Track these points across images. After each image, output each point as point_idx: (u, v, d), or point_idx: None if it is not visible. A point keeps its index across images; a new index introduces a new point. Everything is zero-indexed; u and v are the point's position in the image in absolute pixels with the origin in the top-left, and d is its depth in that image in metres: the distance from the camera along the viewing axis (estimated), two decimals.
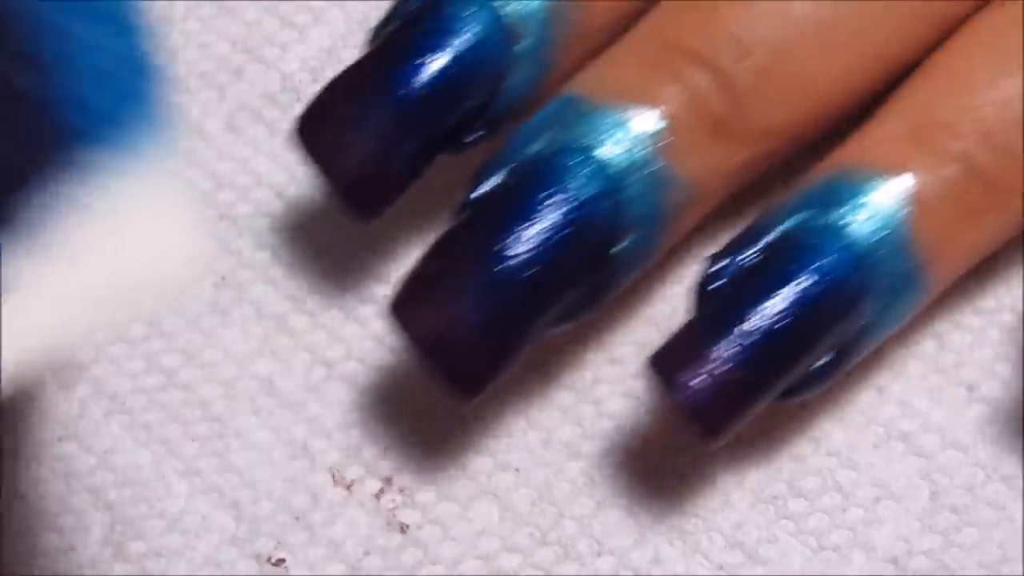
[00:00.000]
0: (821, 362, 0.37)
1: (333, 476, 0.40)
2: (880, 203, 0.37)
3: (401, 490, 0.39)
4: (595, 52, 0.39)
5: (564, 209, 0.36)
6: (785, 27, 0.37)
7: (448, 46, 0.37)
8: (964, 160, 0.37)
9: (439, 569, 0.39)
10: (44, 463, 0.40)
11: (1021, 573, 0.38)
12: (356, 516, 0.39)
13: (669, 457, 0.39)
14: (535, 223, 0.36)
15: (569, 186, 0.36)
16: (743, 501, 0.39)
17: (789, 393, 0.37)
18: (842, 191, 0.37)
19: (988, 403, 0.40)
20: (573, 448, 0.40)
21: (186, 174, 0.41)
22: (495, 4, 0.38)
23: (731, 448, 0.39)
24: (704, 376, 0.35)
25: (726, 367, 0.35)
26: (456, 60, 0.37)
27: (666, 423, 0.40)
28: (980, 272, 0.40)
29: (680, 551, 0.39)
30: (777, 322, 0.35)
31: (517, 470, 0.40)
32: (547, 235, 0.36)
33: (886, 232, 0.36)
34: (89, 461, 0.40)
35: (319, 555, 0.39)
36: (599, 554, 0.39)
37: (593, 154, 0.36)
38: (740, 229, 0.38)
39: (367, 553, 0.39)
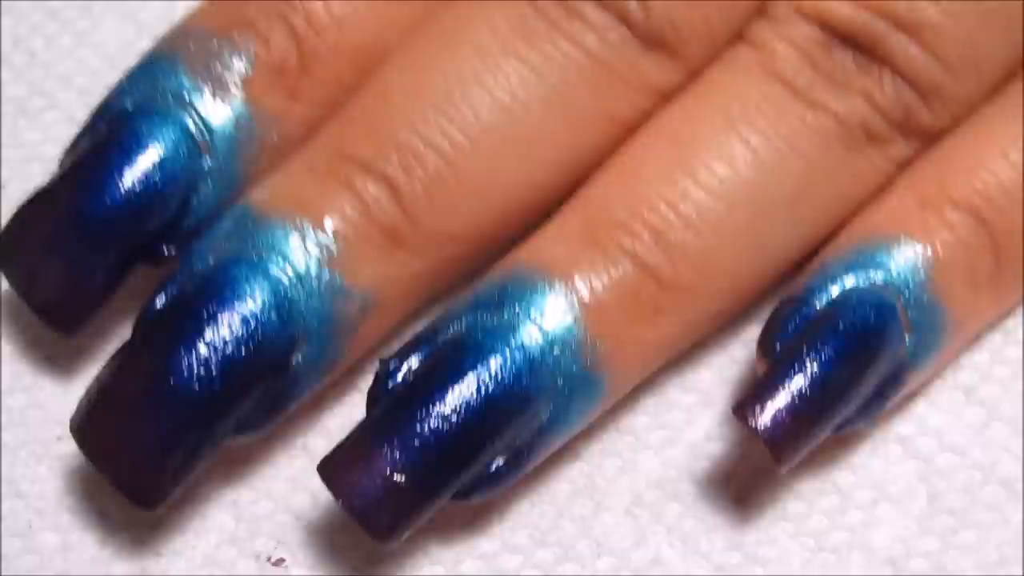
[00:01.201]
0: (498, 463, 0.37)
1: None
2: (550, 305, 0.37)
3: None
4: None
5: (233, 323, 0.36)
6: (456, 136, 0.38)
7: (135, 164, 0.37)
8: (636, 259, 0.37)
9: (439, 569, 0.39)
10: (44, 463, 0.40)
11: (1019, 575, 0.38)
12: None
13: (668, 458, 0.40)
14: (205, 338, 0.36)
15: (238, 300, 0.36)
16: (742, 502, 0.39)
17: (466, 494, 0.37)
18: (513, 293, 0.37)
19: (985, 406, 0.40)
20: (572, 449, 0.40)
21: None
22: (183, 121, 0.38)
23: (730, 450, 0.40)
24: (370, 480, 0.36)
25: (391, 472, 0.36)
26: (143, 177, 0.37)
27: (664, 425, 0.40)
28: None
29: (679, 552, 0.39)
30: (443, 426, 0.36)
31: None
32: (217, 350, 0.36)
33: (556, 334, 0.37)
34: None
35: (319, 556, 0.39)
36: (599, 555, 0.39)
37: (261, 267, 0.37)
38: (415, 331, 0.38)
39: (367, 554, 0.39)
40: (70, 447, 0.40)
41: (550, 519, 0.39)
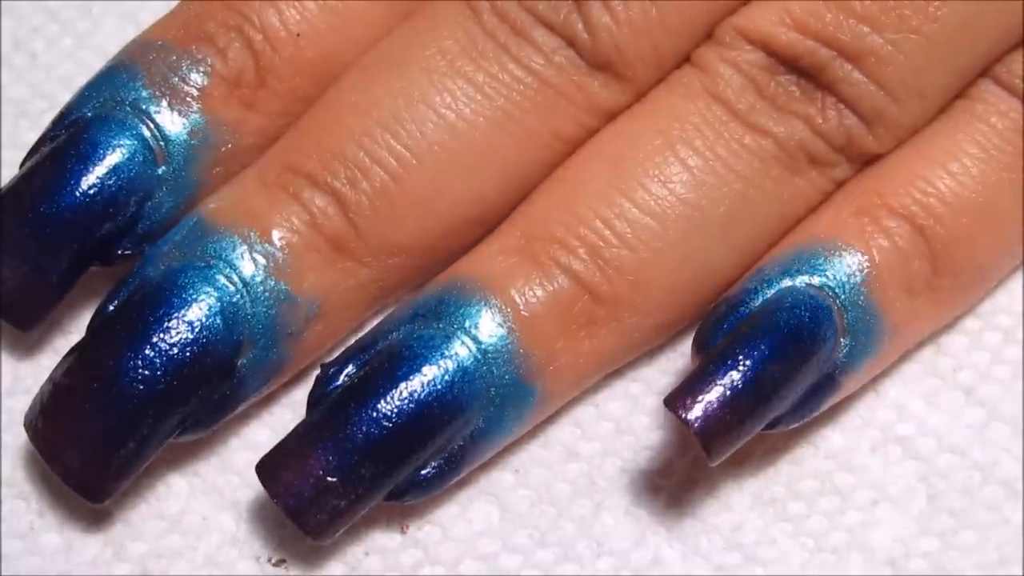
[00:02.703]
0: (432, 467, 0.38)
1: None
2: (484, 317, 0.38)
3: None
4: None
5: (179, 327, 0.37)
6: (401, 152, 0.38)
7: (91, 169, 0.39)
8: (572, 273, 0.38)
9: (439, 569, 0.39)
10: (45, 465, 0.40)
11: (1019, 575, 0.38)
12: None
13: (668, 459, 0.40)
14: (152, 341, 0.37)
15: (184, 305, 0.38)
16: (742, 503, 0.39)
17: (399, 495, 0.38)
18: (450, 304, 0.38)
19: (985, 406, 0.40)
20: (572, 449, 0.40)
21: None
22: (140, 130, 0.39)
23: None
24: (304, 481, 0.37)
25: (325, 473, 0.37)
26: (98, 182, 0.39)
27: (664, 426, 0.40)
28: None
29: (679, 552, 0.39)
30: (376, 431, 0.37)
31: (516, 471, 0.40)
32: (163, 353, 0.37)
33: (489, 345, 0.38)
34: None
35: (319, 556, 0.39)
36: (599, 555, 0.39)
37: (209, 274, 0.38)
38: (356, 337, 0.39)
39: (367, 554, 0.39)
40: None
41: (550, 519, 0.39)
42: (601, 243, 0.38)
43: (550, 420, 0.40)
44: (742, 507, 0.39)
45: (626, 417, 0.40)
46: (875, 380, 0.40)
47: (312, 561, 0.39)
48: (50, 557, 0.39)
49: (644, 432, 0.40)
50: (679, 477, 0.39)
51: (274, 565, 0.39)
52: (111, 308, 0.38)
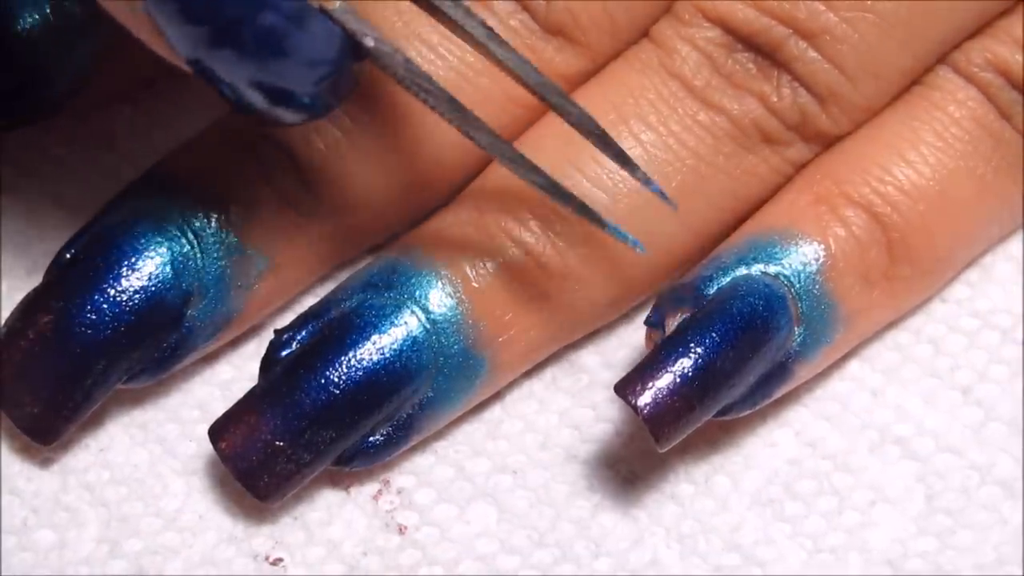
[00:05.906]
0: (379, 435, 0.39)
1: (331, 477, 0.40)
2: (435, 287, 0.39)
3: (399, 492, 0.40)
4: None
5: (130, 276, 0.38)
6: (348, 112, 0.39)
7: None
8: (523, 246, 0.39)
9: (438, 570, 0.39)
10: (40, 460, 0.40)
11: (1017, 575, 0.38)
12: (354, 517, 0.39)
13: (666, 460, 0.40)
14: (105, 289, 0.38)
15: (135, 254, 0.38)
16: (740, 504, 0.39)
17: (347, 461, 0.39)
18: (402, 274, 0.39)
19: (983, 406, 0.40)
20: (571, 451, 0.40)
21: None
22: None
23: (728, 452, 0.40)
24: (253, 444, 0.38)
25: (273, 437, 0.38)
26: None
27: None
28: (974, 275, 0.41)
29: (677, 553, 0.39)
30: (324, 397, 0.38)
31: (515, 472, 0.40)
32: (114, 301, 0.38)
33: (439, 315, 0.38)
34: (85, 458, 0.40)
35: (317, 555, 0.39)
36: (597, 556, 0.39)
37: (161, 225, 0.38)
38: (310, 305, 0.40)
39: (365, 554, 0.39)
40: (67, 445, 0.40)
41: (548, 520, 0.39)
42: (552, 216, 0.39)
43: (549, 422, 0.40)
44: (740, 507, 0.39)
45: (624, 419, 0.40)
46: (873, 381, 0.40)
47: (310, 560, 0.39)
48: (44, 554, 0.39)
49: (642, 434, 0.40)
50: (677, 478, 0.40)
51: (271, 564, 0.39)
52: (67, 257, 0.39)
